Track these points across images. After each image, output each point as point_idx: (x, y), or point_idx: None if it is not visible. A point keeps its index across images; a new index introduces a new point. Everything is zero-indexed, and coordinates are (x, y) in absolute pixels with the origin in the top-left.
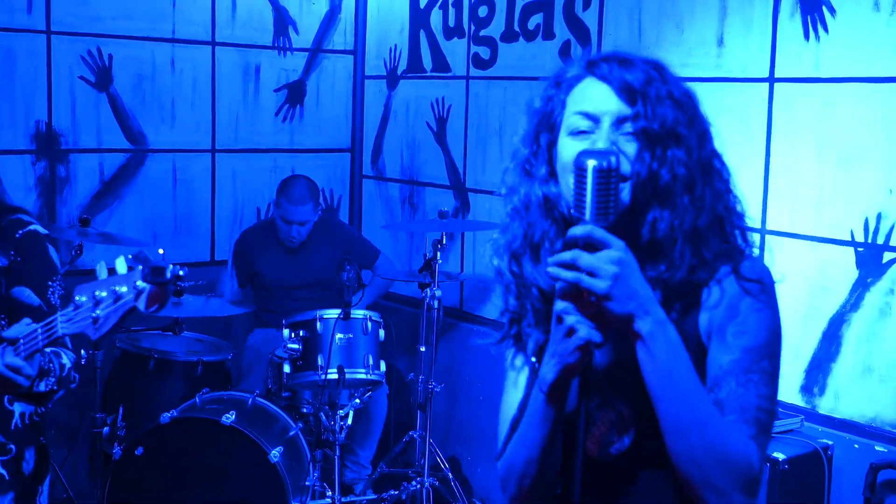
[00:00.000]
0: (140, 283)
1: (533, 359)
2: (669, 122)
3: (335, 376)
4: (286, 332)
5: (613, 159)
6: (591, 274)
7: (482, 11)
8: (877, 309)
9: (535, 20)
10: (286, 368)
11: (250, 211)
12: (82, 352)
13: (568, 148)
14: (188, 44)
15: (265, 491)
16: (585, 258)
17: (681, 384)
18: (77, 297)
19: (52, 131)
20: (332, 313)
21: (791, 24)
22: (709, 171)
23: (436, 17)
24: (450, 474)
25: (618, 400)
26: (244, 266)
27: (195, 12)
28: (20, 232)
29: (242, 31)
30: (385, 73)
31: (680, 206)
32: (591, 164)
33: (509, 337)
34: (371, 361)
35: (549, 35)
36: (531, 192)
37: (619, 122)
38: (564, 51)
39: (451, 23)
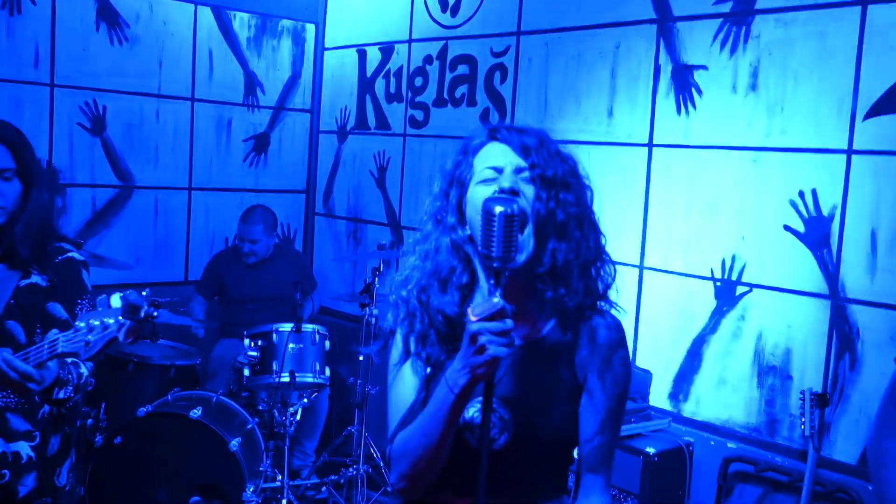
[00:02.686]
0: (121, 318)
1: (428, 369)
2: (560, 172)
3: (287, 379)
4: (247, 341)
5: (516, 206)
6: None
7: (418, 81)
8: (730, 332)
9: (461, 90)
10: (246, 372)
11: (219, 239)
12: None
13: (478, 193)
14: (171, 99)
15: (226, 475)
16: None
17: None
18: (77, 322)
19: (53, 168)
20: (286, 327)
21: (667, 101)
22: (590, 217)
23: (379, 85)
24: (381, 463)
25: (500, 406)
26: (213, 281)
27: (178, 73)
28: (60, 258)
29: (218, 90)
30: (336, 129)
31: (573, 241)
32: (499, 209)
33: (406, 352)
34: (318, 367)
35: (472, 102)
36: (441, 237)
37: (518, 170)
38: (484, 116)
39: (392, 90)
